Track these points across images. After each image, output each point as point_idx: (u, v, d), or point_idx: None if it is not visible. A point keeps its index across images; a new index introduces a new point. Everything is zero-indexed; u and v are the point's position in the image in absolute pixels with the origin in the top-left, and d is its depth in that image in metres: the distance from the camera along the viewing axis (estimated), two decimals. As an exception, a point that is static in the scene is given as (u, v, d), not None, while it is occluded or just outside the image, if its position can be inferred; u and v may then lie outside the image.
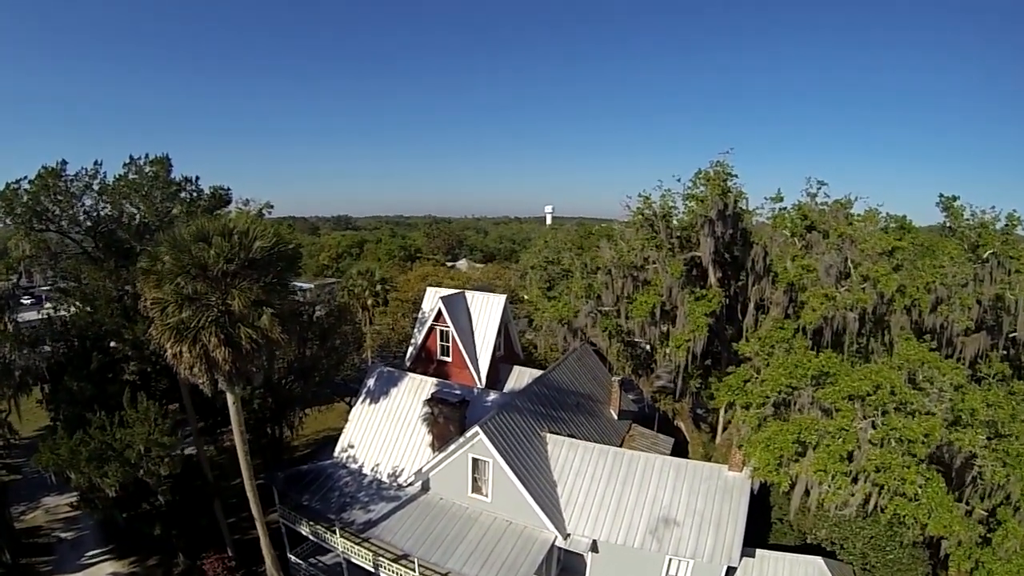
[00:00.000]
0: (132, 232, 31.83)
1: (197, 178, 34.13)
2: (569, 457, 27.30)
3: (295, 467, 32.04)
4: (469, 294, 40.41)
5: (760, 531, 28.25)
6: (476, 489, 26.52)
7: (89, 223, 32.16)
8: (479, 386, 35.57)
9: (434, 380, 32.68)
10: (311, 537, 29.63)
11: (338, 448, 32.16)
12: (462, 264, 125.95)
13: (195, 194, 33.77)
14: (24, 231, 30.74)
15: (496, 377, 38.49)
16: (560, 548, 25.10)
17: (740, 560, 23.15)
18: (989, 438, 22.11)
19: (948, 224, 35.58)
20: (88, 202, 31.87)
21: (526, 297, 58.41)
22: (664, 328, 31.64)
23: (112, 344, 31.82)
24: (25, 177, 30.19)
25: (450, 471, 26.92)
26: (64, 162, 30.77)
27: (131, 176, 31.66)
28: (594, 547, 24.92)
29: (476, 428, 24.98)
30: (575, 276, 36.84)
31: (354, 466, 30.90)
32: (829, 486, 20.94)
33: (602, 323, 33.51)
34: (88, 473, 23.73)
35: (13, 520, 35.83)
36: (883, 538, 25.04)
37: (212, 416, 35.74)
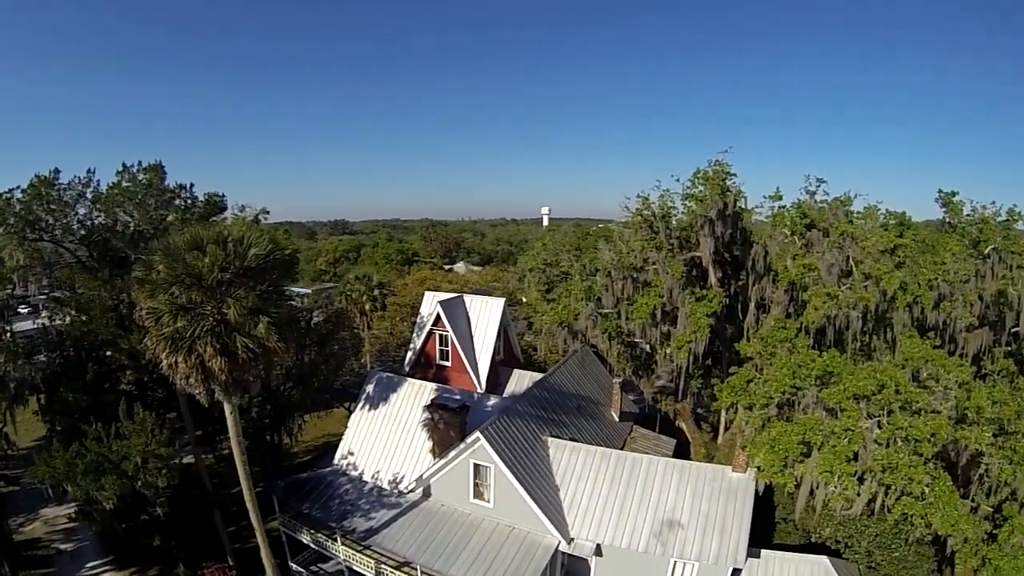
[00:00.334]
0: (126, 240, 31.54)
1: (192, 185, 33.93)
2: (571, 461, 27.06)
3: (295, 475, 31.79)
4: (468, 298, 40.20)
5: (764, 531, 28.02)
6: (478, 495, 26.26)
7: (83, 232, 31.87)
8: (479, 390, 35.33)
9: (434, 385, 32.44)
10: (312, 545, 29.40)
11: (338, 455, 31.90)
12: (460, 267, 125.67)
13: (189, 201, 33.50)
14: (17, 241, 30.44)
15: (496, 381, 38.27)
16: (564, 553, 24.85)
17: (745, 561, 22.90)
18: (995, 435, 21.95)
19: (948, 220, 35.47)
20: (82, 211, 31.60)
21: (524, 299, 58.23)
22: (665, 329, 31.45)
23: (108, 354, 31.54)
24: (18, 187, 29.91)
25: (451, 477, 26.67)
26: (57, 171, 30.49)
27: (124, 184, 31.38)
28: (598, 551, 24.67)
29: (477, 434, 24.73)
30: (574, 278, 36.65)
31: (354, 473, 30.64)
32: (836, 487, 20.71)
33: (602, 325, 33.32)
34: (85, 486, 23.43)
35: (12, 532, 35.56)
36: (888, 536, 24.86)
37: (210, 424, 35.48)
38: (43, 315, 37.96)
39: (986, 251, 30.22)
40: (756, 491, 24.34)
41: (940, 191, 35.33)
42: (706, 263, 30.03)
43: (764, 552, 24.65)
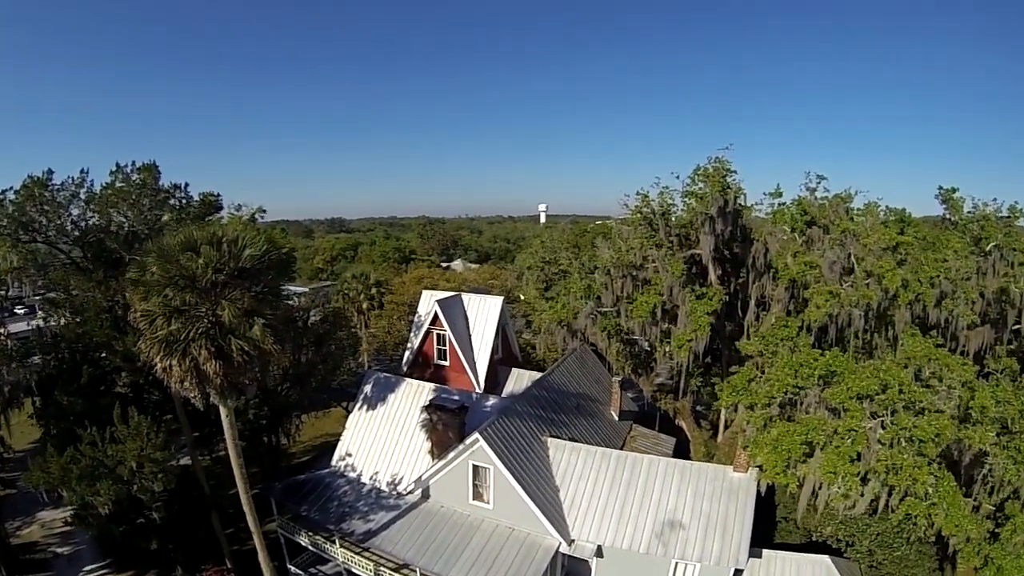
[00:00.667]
0: (121, 241, 31.21)
1: (186, 185, 33.57)
2: (571, 461, 26.87)
3: (293, 477, 31.58)
4: (466, 297, 39.96)
5: (765, 530, 27.87)
6: (477, 496, 26.06)
7: (77, 233, 31.52)
8: (478, 390, 35.12)
9: (432, 385, 32.22)
10: (310, 547, 29.21)
11: (336, 456, 31.68)
12: (457, 264, 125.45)
13: (184, 201, 33.18)
14: (11, 242, 30.12)
15: (495, 380, 38.05)
16: (564, 554, 24.65)
17: (747, 562, 22.74)
18: (998, 434, 21.80)
19: (948, 216, 35.31)
20: (75, 211, 31.22)
21: (522, 297, 58.01)
22: (665, 327, 31.27)
23: (103, 356, 31.24)
24: (11, 187, 29.59)
25: (450, 478, 26.47)
26: (50, 171, 30.15)
27: (118, 184, 31.03)
28: (599, 552, 24.48)
29: (476, 435, 24.52)
30: (573, 276, 36.41)
31: (352, 475, 30.43)
32: (839, 487, 20.53)
33: (601, 323, 33.10)
34: (80, 491, 23.17)
35: (9, 536, 35.33)
36: (890, 535, 24.74)
37: (207, 426, 35.21)
38: (39, 316, 37.71)
39: (987, 248, 30.05)
40: (759, 492, 24.19)
41: (940, 187, 35.17)
42: (706, 261, 29.82)
43: (765, 552, 24.51)
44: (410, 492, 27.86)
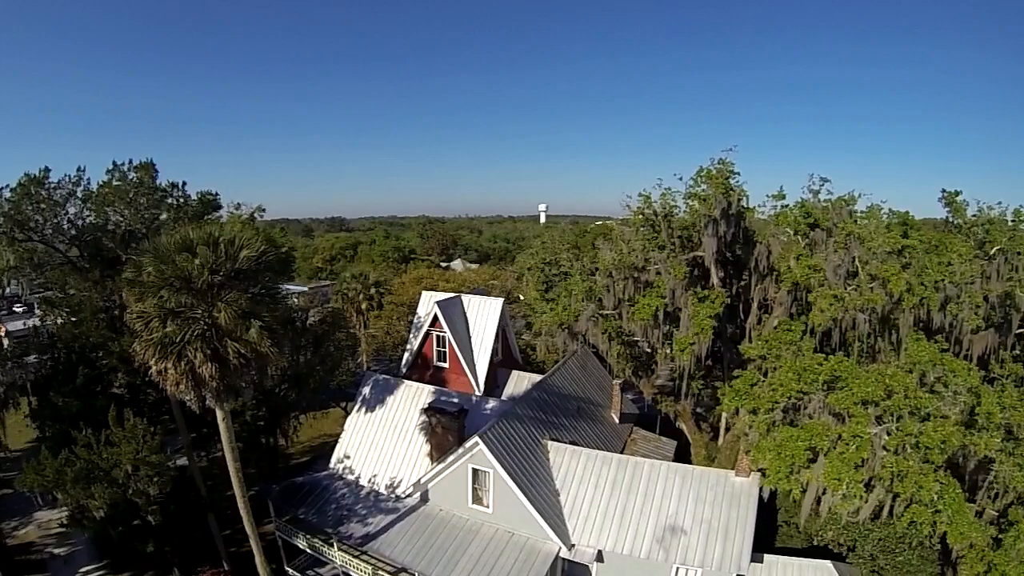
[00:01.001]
0: (118, 240, 30.97)
1: (184, 183, 33.33)
2: (572, 465, 26.64)
3: (290, 479, 31.38)
4: (466, 298, 39.70)
5: (767, 534, 27.66)
6: (477, 500, 25.83)
7: (74, 232, 31.29)
8: (477, 393, 34.87)
9: (431, 388, 31.97)
10: (308, 550, 29.00)
11: (334, 459, 31.46)
12: (457, 264, 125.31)
13: (182, 200, 32.91)
14: (7, 241, 29.88)
15: (494, 382, 37.80)
16: (564, 559, 24.43)
17: (749, 567, 22.50)
18: (1004, 440, 21.53)
19: (951, 220, 35.01)
20: (72, 210, 31.01)
21: (522, 297, 57.75)
22: (666, 330, 30.99)
23: (99, 356, 30.96)
24: (7, 186, 29.38)
25: (450, 482, 26.23)
26: (47, 169, 29.92)
27: (115, 182, 30.78)
28: (599, 557, 24.26)
29: (476, 438, 24.30)
30: (575, 278, 36.11)
31: (351, 477, 30.20)
32: (844, 494, 20.27)
33: (603, 325, 32.84)
34: (75, 495, 22.91)
35: (5, 536, 35.15)
36: (892, 540, 24.50)
37: (205, 427, 34.98)
38: (36, 315, 37.49)
39: (992, 252, 29.78)
40: (761, 498, 23.95)
41: (944, 190, 34.82)
42: (708, 263, 29.51)
43: (767, 557, 24.29)
44: (409, 495, 27.63)
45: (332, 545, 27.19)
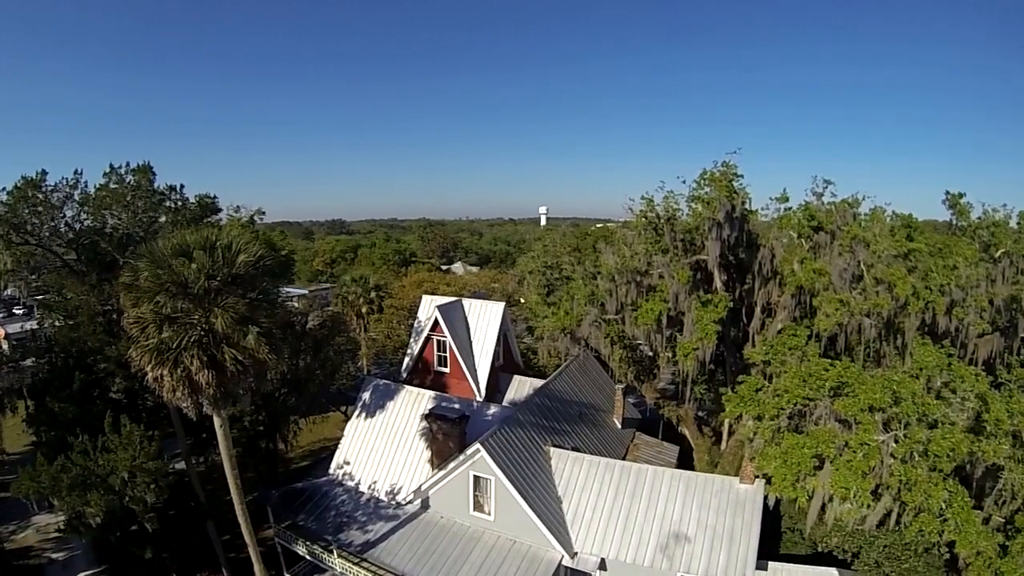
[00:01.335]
0: (115, 244, 30.69)
1: (182, 186, 33.07)
2: (574, 472, 26.36)
3: (290, 485, 31.09)
4: (466, 302, 39.45)
5: (771, 541, 27.37)
6: (478, 507, 25.56)
7: (71, 235, 31.03)
8: (479, 398, 34.61)
9: (432, 393, 31.72)
10: (308, 557, 28.65)
11: (333, 465, 31.19)
12: (457, 267, 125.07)
13: (180, 203, 32.65)
14: (3, 244, 29.64)
15: (496, 387, 37.53)
16: (567, 568, 24.10)
17: (753, 575, 22.21)
18: (1013, 447, 21.24)
19: (954, 222, 34.80)
20: (69, 213, 30.74)
21: (523, 301, 57.46)
22: (668, 333, 30.71)
23: (96, 361, 30.68)
24: (3, 188, 29.12)
25: (451, 489, 25.97)
26: (44, 172, 29.66)
27: (112, 185, 30.54)
28: (602, 565, 23.95)
29: (477, 445, 24.06)
30: (577, 282, 35.84)
31: (351, 483, 29.93)
32: (852, 503, 19.97)
33: (605, 330, 32.57)
34: (70, 502, 22.60)
35: (3, 540, 34.85)
36: (898, 547, 24.17)
37: (203, 431, 34.69)
38: (34, 318, 37.28)
39: (997, 255, 29.56)
40: (767, 506, 23.66)
41: (947, 192, 34.68)
42: (712, 267, 29.26)
43: (772, 564, 23.99)
44: (409, 502, 27.38)
45: (332, 552, 26.86)
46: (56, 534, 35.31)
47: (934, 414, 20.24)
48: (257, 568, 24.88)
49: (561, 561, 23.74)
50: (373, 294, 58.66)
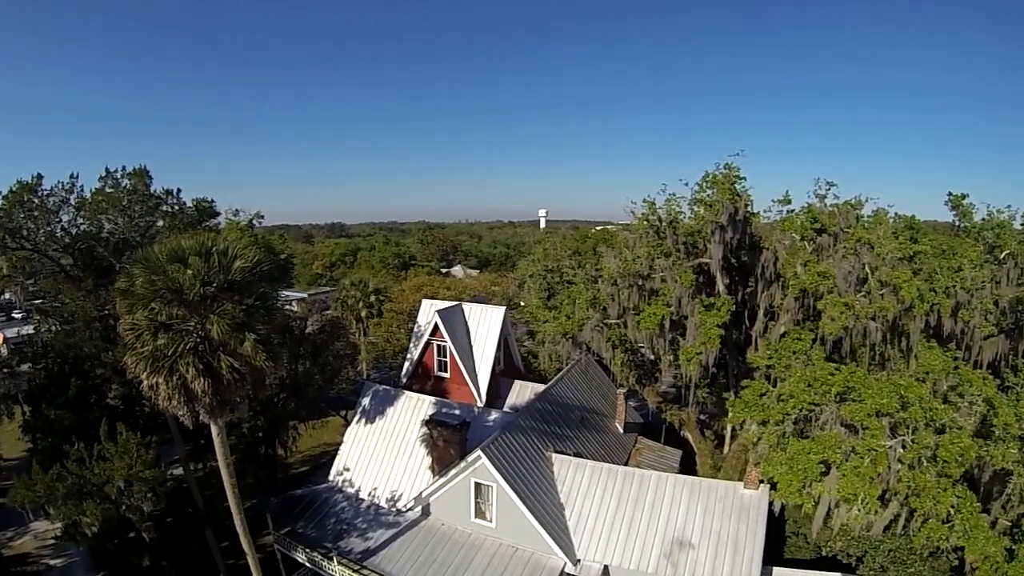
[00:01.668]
0: (111, 249, 30.43)
1: (179, 190, 32.81)
2: (576, 478, 26.04)
3: (289, 492, 30.78)
4: (467, 306, 39.18)
5: (775, 546, 27.08)
6: (479, 514, 25.25)
7: (67, 240, 30.78)
8: (479, 404, 34.29)
9: (432, 399, 31.40)
10: (307, 564, 28.38)
11: (333, 471, 30.87)
12: (457, 270, 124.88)
13: (176, 207, 32.40)
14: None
15: (496, 392, 37.24)
16: (569, 575, 23.76)
17: (759, 581, 21.93)
18: (1021, 451, 20.99)
19: (957, 223, 34.51)
20: (65, 218, 30.50)
21: (523, 304, 57.21)
22: (671, 337, 30.44)
23: (93, 367, 30.40)
24: (-1, 193, 28.86)
25: (451, 496, 25.66)
26: (40, 176, 29.42)
27: (108, 190, 30.29)
28: (606, 573, 23.60)
29: (478, 452, 23.74)
30: (578, 286, 35.58)
31: (350, 490, 29.61)
32: (859, 510, 19.70)
33: (606, 334, 32.29)
34: (66, 511, 22.30)
35: (1, 547, 34.59)
36: (904, 552, 23.93)
37: (202, 438, 34.40)
38: (32, 323, 37.05)
39: (1002, 256, 29.29)
40: (773, 512, 23.37)
41: (950, 194, 34.35)
42: (714, 270, 29.00)
43: (776, 570, 23.64)
44: (410, 509, 27.06)
45: (332, 559, 26.57)
46: (54, 541, 35.15)
47: (942, 419, 19.98)
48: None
49: (564, 568, 23.42)
50: (372, 298, 58.47)
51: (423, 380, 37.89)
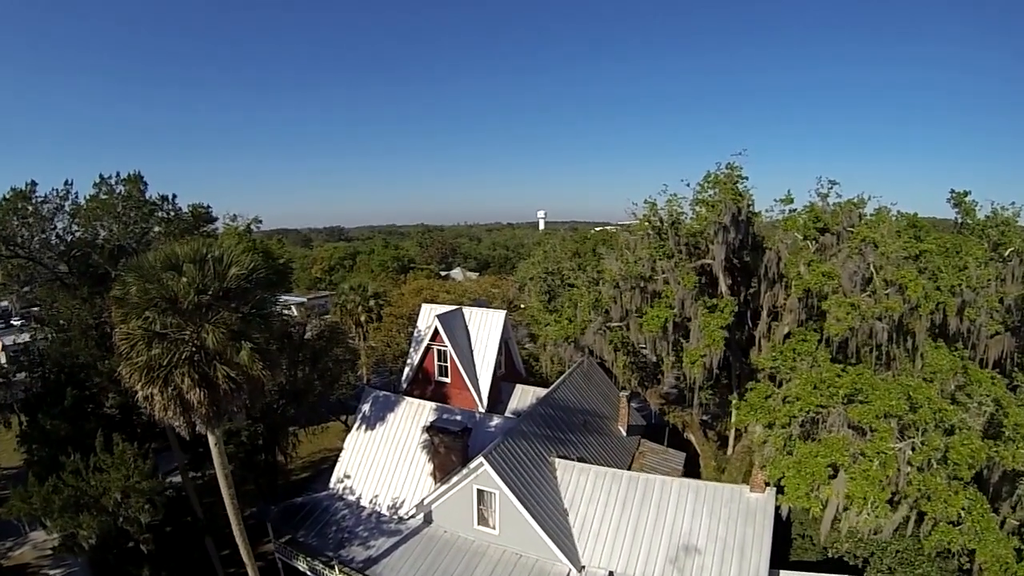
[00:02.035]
0: (106, 256, 30.12)
1: (174, 196, 32.45)
2: (580, 483, 25.73)
3: (290, 499, 30.50)
4: (467, 310, 38.91)
5: (782, 548, 26.77)
6: (482, 521, 24.94)
7: (62, 247, 30.48)
8: (481, 409, 34.02)
9: (432, 405, 31.11)
10: (309, 572, 28.05)
11: (334, 478, 30.60)
12: (456, 273, 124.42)
13: (172, 213, 32.08)
14: (-7, 258, 29.09)
15: (497, 397, 36.96)
16: (574, 582, 23.50)
17: (766, 585, 21.61)
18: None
19: (960, 220, 34.26)
20: (60, 225, 30.23)
21: (523, 306, 56.89)
22: (674, 339, 30.14)
23: (88, 376, 30.09)
24: (-8, 201, 28.55)
25: (454, 503, 25.37)
26: (34, 183, 29.12)
27: (102, 196, 29.99)
28: (611, 579, 23.35)
29: (480, 459, 23.45)
30: (580, 289, 35.25)
31: (351, 498, 29.33)
32: (869, 514, 19.38)
33: (609, 337, 31.97)
34: (62, 523, 21.95)
35: (0, 557, 34.26)
36: (911, 553, 23.65)
37: (200, 447, 34.05)
38: (28, 332, 36.74)
39: (1007, 253, 29.03)
40: (781, 517, 23.06)
41: (952, 191, 34.11)
42: (717, 271, 28.70)
43: (783, 573, 23.35)
44: (411, 516, 26.79)
45: (333, 568, 26.24)
46: (52, 552, 34.86)
47: (951, 420, 19.68)
48: (255, 590, 24.26)
49: (568, 575, 23.13)
50: (372, 302, 58.09)
51: (424, 385, 37.59)
